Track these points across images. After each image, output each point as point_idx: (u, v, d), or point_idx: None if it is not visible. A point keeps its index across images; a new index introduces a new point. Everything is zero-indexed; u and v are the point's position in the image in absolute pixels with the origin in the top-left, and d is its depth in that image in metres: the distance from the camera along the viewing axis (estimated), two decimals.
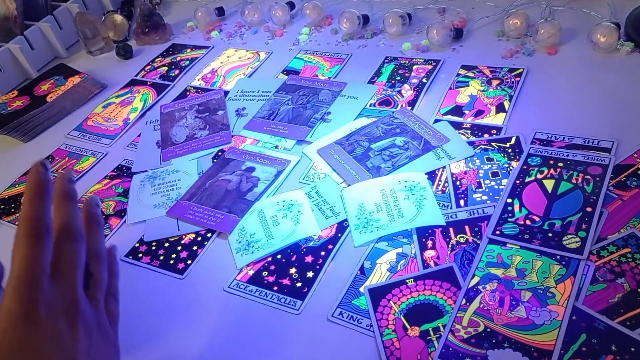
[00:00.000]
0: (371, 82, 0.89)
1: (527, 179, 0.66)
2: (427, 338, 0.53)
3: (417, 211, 0.65)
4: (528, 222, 0.61)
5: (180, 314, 0.61)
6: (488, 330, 0.52)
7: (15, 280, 0.38)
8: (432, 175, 0.70)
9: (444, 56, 0.91)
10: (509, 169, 0.68)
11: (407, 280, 0.58)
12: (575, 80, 0.81)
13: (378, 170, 0.72)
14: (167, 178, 0.78)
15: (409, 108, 0.82)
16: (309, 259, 0.63)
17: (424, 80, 0.87)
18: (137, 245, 0.70)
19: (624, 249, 0.56)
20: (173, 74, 1.02)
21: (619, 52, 0.83)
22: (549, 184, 0.65)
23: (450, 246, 0.61)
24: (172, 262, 0.66)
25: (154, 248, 0.69)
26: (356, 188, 0.70)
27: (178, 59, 1.07)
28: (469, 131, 0.75)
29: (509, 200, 0.64)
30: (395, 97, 0.85)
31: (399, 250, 0.62)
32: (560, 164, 0.67)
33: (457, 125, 0.76)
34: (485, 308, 0.54)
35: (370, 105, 0.84)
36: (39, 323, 0.38)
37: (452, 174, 0.69)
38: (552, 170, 0.66)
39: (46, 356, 0.38)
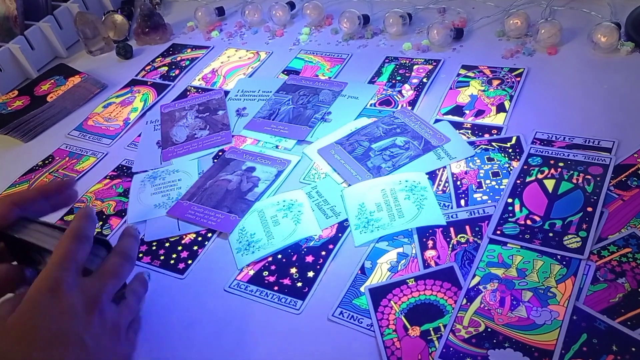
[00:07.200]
0: (371, 82, 0.89)
1: (528, 179, 0.66)
2: (428, 338, 0.53)
3: (417, 211, 0.65)
4: (529, 222, 0.61)
5: (180, 314, 0.61)
6: (489, 330, 0.52)
7: (49, 265, 0.47)
8: (432, 175, 0.70)
9: (444, 56, 0.91)
10: (509, 169, 0.68)
11: (407, 280, 0.58)
12: (575, 80, 0.81)
13: (378, 170, 0.72)
14: (167, 178, 0.78)
15: (410, 108, 0.82)
16: (309, 258, 0.63)
17: (425, 80, 0.87)
18: None
19: (624, 249, 0.56)
20: (173, 74, 1.02)
21: (620, 52, 0.83)
22: (550, 184, 0.65)
23: (450, 246, 0.61)
24: (172, 262, 0.66)
25: (154, 248, 0.69)
26: (357, 188, 0.70)
27: (178, 58, 1.06)
28: (469, 131, 0.75)
29: (510, 200, 0.64)
30: (395, 97, 0.84)
31: (400, 250, 0.62)
32: (561, 164, 0.67)
33: (457, 125, 0.76)
34: (486, 308, 0.54)
35: (370, 105, 0.84)
36: (60, 297, 0.45)
37: (452, 174, 0.69)
38: (552, 170, 0.66)
39: (58, 324, 0.44)
